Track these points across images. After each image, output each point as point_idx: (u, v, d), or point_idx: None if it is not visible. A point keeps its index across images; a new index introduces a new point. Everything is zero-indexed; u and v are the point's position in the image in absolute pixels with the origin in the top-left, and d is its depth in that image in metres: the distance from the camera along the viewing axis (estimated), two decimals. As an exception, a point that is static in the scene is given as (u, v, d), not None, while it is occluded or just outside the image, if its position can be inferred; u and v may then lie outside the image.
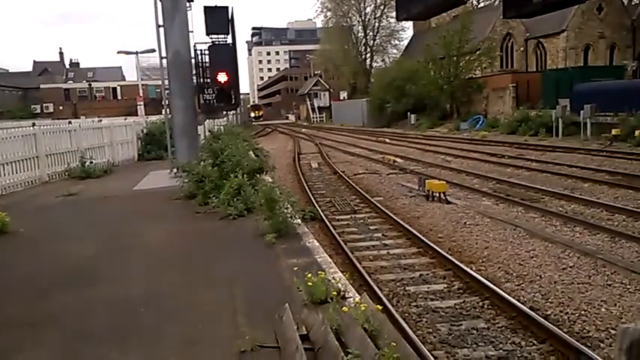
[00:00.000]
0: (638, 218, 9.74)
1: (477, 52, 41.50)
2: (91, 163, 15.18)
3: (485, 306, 6.18)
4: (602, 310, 5.99)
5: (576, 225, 9.56)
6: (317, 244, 7.08)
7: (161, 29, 13.59)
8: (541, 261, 7.76)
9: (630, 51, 43.66)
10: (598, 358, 4.61)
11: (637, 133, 21.52)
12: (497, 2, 52.69)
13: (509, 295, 6.27)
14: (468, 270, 7.13)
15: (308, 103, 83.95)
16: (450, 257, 7.74)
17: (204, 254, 6.91)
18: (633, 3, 48.55)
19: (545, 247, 8.42)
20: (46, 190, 12.85)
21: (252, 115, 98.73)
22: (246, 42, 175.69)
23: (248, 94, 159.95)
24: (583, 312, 5.95)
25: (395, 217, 10.51)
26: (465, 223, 10.32)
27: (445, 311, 6.11)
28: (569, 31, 42.26)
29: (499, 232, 9.50)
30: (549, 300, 6.34)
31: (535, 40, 45.88)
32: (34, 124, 14.59)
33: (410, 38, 67.86)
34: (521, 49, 46.96)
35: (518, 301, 6.13)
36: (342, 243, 8.77)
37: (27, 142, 13.68)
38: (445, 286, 6.92)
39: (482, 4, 58.43)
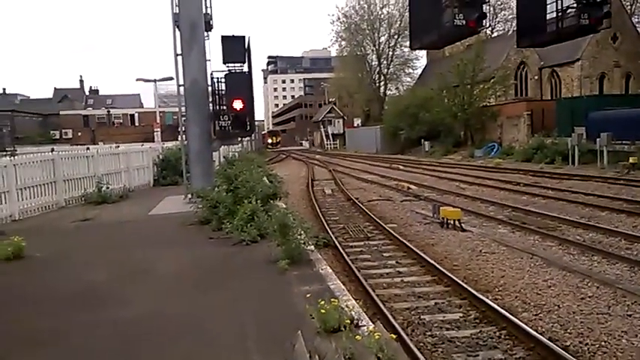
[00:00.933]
0: (658, 248, 9.54)
1: (491, 81, 41.61)
2: (108, 188, 15.36)
3: (503, 336, 6.05)
4: (623, 341, 5.82)
5: (594, 254, 9.39)
6: (330, 270, 7.03)
7: (179, 58, 13.89)
8: (559, 290, 7.60)
9: (646, 79, 43.47)
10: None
11: (655, 161, 21.27)
12: (510, 32, 53.00)
13: (526, 325, 6.13)
14: (484, 299, 7.01)
15: (322, 129, 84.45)
16: (465, 286, 7.63)
17: (217, 280, 6.90)
18: (648, 32, 48.53)
19: (563, 276, 8.26)
20: (62, 215, 13.00)
21: (270, 141, 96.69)
22: (262, 70, 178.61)
23: (263, 120, 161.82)
24: (603, 343, 5.79)
25: (409, 245, 10.42)
26: (481, 251, 10.19)
27: (461, 341, 5.99)
28: (583, 60, 42.28)
29: (515, 260, 9.36)
30: (568, 330, 6.19)
31: (549, 69, 45.92)
32: (52, 150, 14.85)
33: (424, 67, 68.46)
34: (536, 77, 47.00)
35: (536, 331, 5.99)
36: (355, 270, 8.69)
37: (45, 167, 13.92)
38: (461, 315, 6.79)
39: (495, 34, 58.90)
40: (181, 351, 4.62)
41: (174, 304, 5.97)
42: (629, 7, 48.70)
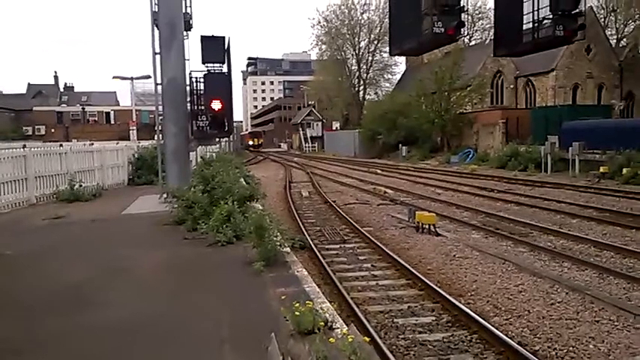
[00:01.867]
0: (626, 255, 9.80)
1: (468, 88, 42.26)
2: (81, 186, 15.07)
3: (474, 340, 6.13)
4: (590, 346, 5.97)
5: (565, 260, 9.60)
6: (305, 273, 7.02)
7: (157, 56, 13.74)
8: (530, 295, 7.75)
9: (618, 91, 44.62)
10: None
11: (625, 170, 21.82)
12: (488, 41, 53.92)
13: (497, 329, 6.24)
14: (457, 303, 7.10)
15: (301, 132, 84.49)
16: (438, 290, 7.72)
17: (191, 281, 6.83)
18: (621, 45, 49.89)
19: (534, 281, 8.42)
20: (33, 213, 12.71)
21: (251, 143, 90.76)
22: (242, 71, 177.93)
23: (241, 121, 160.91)
24: (571, 348, 5.92)
25: (384, 248, 10.49)
26: (455, 255, 10.32)
27: (433, 344, 6.06)
28: (558, 70, 43.22)
29: (488, 265, 9.51)
30: (537, 335, 6.31)
31: (525, 78, 46.82)
32: (24, 146, 14.51)
33: (403, 72, 69.13)
34: (511, 86, 47.88)
35: (507, 335, 6.10)
36: (330, 273, 8.72)
37: (16, 163, 13.59)
38: (433, 318, 6.87)
39: (473, 42, 59.80)
40: (157, 353, 4.56)
41: (149, 305, 5.89)
42: (602, 19, 50.03)
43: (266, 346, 4.31)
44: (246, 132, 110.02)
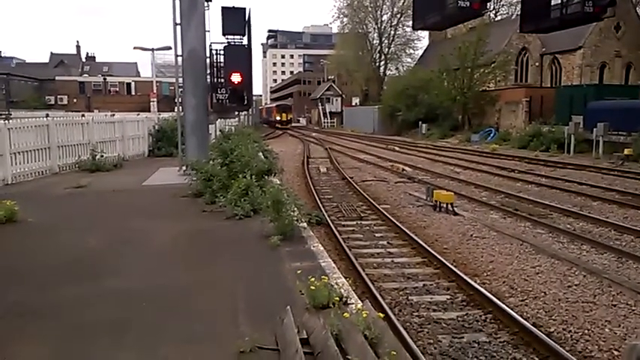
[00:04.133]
0: (646, 239, 9.64)
1: (492, 65, 41.37)
2: (102, 156, 15.29)
3: (488, 320, 6.14)
4: (606, 330, 5.93)
5: (584, 243, 9.48)
6: (321, 248, 7.05)
7: (178, 27, 13.69)
8: (546, 277, 7.70)
9: (646, 71, 43.32)
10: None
11: (650, 153, 21.33)
12: (514, 16, 52.52)
13: (512, 310, 6.22)
14: (472, 283, 7.10)
15: (320, 107, 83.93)
16: (454, 269, 7.71)
17: (208, 253, 6.92)
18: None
19: (552, 263, 8.35)
20: (55, 181, 12.95)
21: (278, 118, 74.63)
22: (262, 44, 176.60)
23: (260, 95, 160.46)
24: (586, 331, 5.90)
25: (401, 226, 10.49)
26: (472, 235, 10.27)
27: (447, 323, 6.08)
28: (585, 48, 42.02)
29: (505, 246, 9.45)
30: (553, 317, 6.29)
31: (551, 56, 45.64)
32: (47, 115, 14.70)
33: (425, 48, 67.87)
34: (537, 64, 46.73)
35: (522, 316, 6.08)
36: (346, 249, 8.76)
37: (39, 132, 13.80)
38: (448, 297, 6.88)
39: (499, 17, 58.31)
40: (174, 322, 4.65)
41: (166, 275, 6.00)
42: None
43: (281, 318, 4.36)
44: (272, 104, 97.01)
